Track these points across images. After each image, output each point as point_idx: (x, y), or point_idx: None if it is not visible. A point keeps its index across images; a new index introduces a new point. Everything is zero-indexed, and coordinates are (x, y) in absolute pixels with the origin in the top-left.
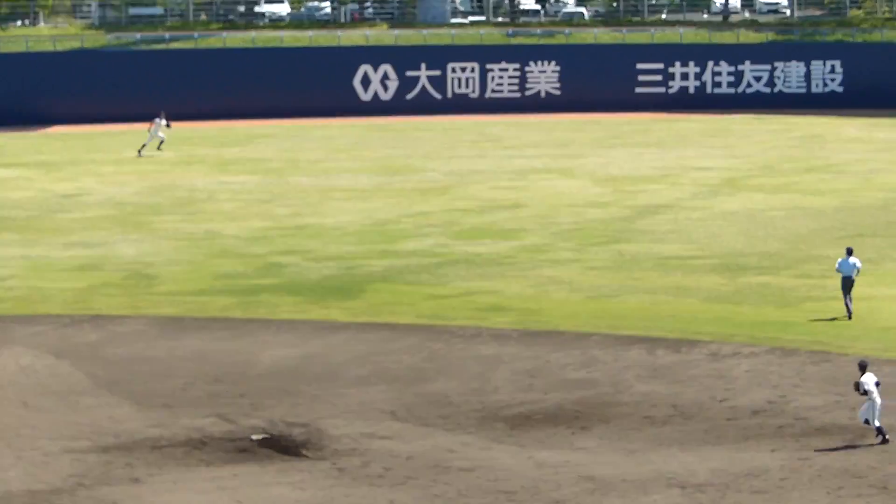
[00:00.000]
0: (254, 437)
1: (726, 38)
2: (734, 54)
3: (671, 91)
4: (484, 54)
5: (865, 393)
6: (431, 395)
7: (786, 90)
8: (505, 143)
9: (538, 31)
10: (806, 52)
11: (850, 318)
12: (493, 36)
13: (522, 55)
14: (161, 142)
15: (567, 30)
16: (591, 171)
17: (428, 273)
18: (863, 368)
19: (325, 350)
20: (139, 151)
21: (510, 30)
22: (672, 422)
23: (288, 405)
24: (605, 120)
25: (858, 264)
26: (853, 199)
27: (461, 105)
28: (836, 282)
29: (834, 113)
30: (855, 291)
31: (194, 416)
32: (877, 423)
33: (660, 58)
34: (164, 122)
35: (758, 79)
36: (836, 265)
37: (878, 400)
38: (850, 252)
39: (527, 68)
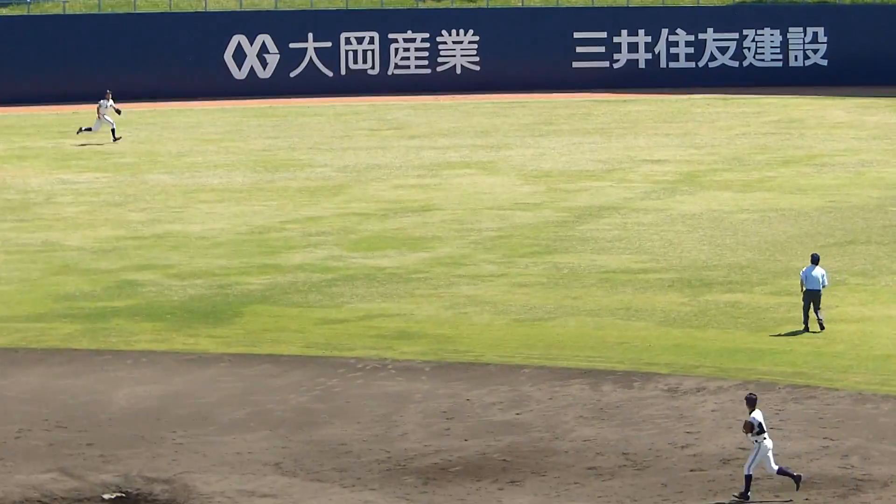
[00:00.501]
0: (105, 496)
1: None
2: (694, 19)
3: (617, 66)
4: (385, 21)
5: (762, 432)
6: (325, 442)
7: (758, 64)
8: (412, 130)
9: None
10: (782, 16)
11: (821, 328)
12: None
13: (433, 22)
14: (112, 129)
15: None
16: (519, 165)
17: (319, 292)
18: (751, 403)
19: (192, 388)
20: (78, 132)
21: None
22: (622, 473)
23: (147, 456)
24: (535, 102)
25: (826, 278)
26: (841, 197)
27: (358, 84)
28: (823, 300)
29: (817, 92)
30: (845, 312)
31: (31, 471)
32: (774, 467)
33: (602, 24)
34: (110, 103)
35: (723, 50)
36: (801, 275)
37: (769, 443)
38: (815, 260)
39: (438, 38)
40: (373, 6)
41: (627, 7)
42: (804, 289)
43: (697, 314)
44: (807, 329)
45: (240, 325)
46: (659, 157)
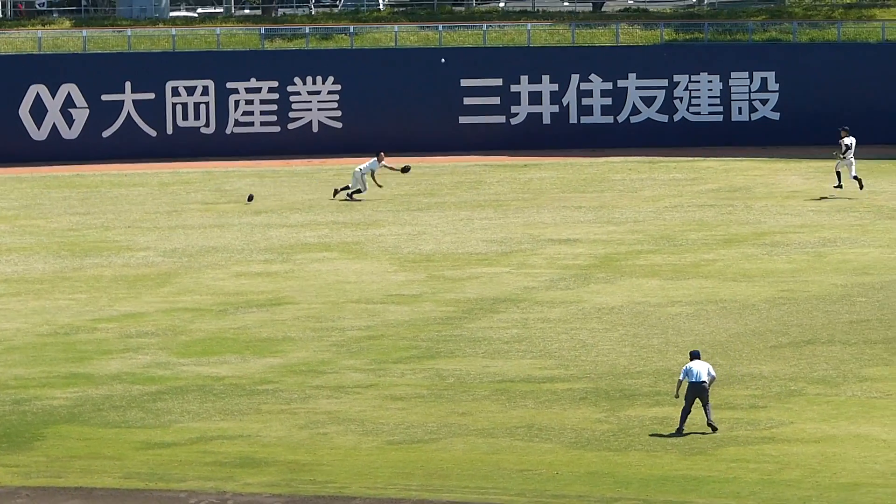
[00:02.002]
0: None
1: (600, 37)
2: (611, 63)
3: (515, 121)
4: (223, 67)
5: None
6: None
7: (692, 118)
8: (257, 204)
9: (306, 29)
10: (722, 58)
11: (713, 429)
12: (237, 38)
13: (283, 68)
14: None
15: (352, 27)
16: (392, 246)
17: (141, 409)
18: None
19: None
20: (349, 195)
21: (263, 28)
22: None
23: None
24: (412, 167)
25: (712, 371)
26: (797, 286)
27: (189, 146)
28: (773, 414)
29: (766, 153)
30: (801, 429)
31: None
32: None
33: (497, 69)
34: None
35: (648, 101)
36: (682, 373)
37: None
38: (696, 356)
39: (290, 88)
40: (207, 47)
41: (528, 47)
42: (684, 382)
43: (617, 433)
44: (680, 432)
45: (41, 450)
46: (568, 235)
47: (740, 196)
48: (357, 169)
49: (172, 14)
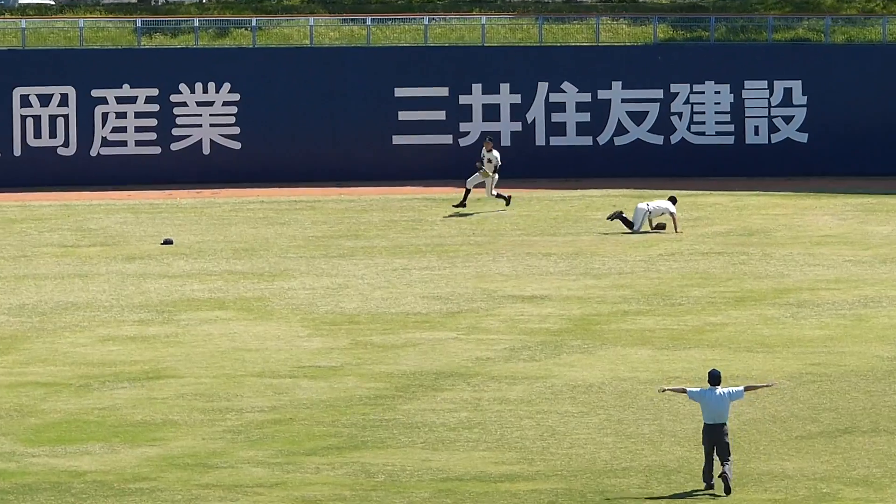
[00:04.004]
0: None
1: (575, 34)
2: (591, 68)
3: (465, 142)
4: (86, 70)
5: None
6: None
7: (694, 140)
8: (130, 248)
9: (195, 22)
10: (734, 63)
11: (727, 490)
12: (106, 33)
13: (165, 71)
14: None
15: (254, 20)
16: (306, 303)
17: None
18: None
19: None
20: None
21: (139, 20)
22: None
23: None
24: (331, 200)
25: (735, 395)
26: (831, 358)
27: (42, 171)
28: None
29: (790, 186)
30: None
31: None
32: None
33: (442, 76)
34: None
35: (638, 118)
36: (699, 396)
37: None
38: (715, 379)
39: (174, 98)
40: (67, 44)
41: (482, 47)
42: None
43: None
44: (710, 486)
45: None
46: (534, 291)
47: (757, 241)
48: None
49: (23, 0)
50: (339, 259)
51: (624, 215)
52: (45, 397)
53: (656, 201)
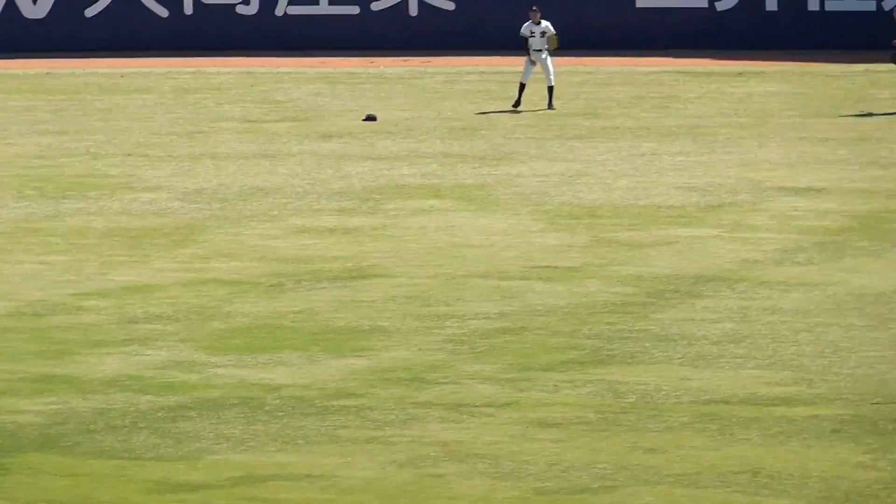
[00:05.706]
0: None
1: None
2: None
3: (722, 6)
4: None
5: None
6: None
7: None
8: (326, 124)
9: None
10: None
11: None
12: None
13: None
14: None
15: None
16: (537, 193)
17: (153, 431)
18: None
19: None
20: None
21: None
22: None
23: None
24: (560, 72)
25: None
26: None
27: (219, 33)
28: None
29: None
30: None
31: None
32: None
33: None
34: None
35: None
36: None
37: None
38: None
39: None
40: None
41: None
42: None
43: (890, 486)
44: None
45: (2, 491)
46: (809, 182)
47: None
48: None
49: None
50: (576, 141)
51: None
52: (231, 298)
53: None
